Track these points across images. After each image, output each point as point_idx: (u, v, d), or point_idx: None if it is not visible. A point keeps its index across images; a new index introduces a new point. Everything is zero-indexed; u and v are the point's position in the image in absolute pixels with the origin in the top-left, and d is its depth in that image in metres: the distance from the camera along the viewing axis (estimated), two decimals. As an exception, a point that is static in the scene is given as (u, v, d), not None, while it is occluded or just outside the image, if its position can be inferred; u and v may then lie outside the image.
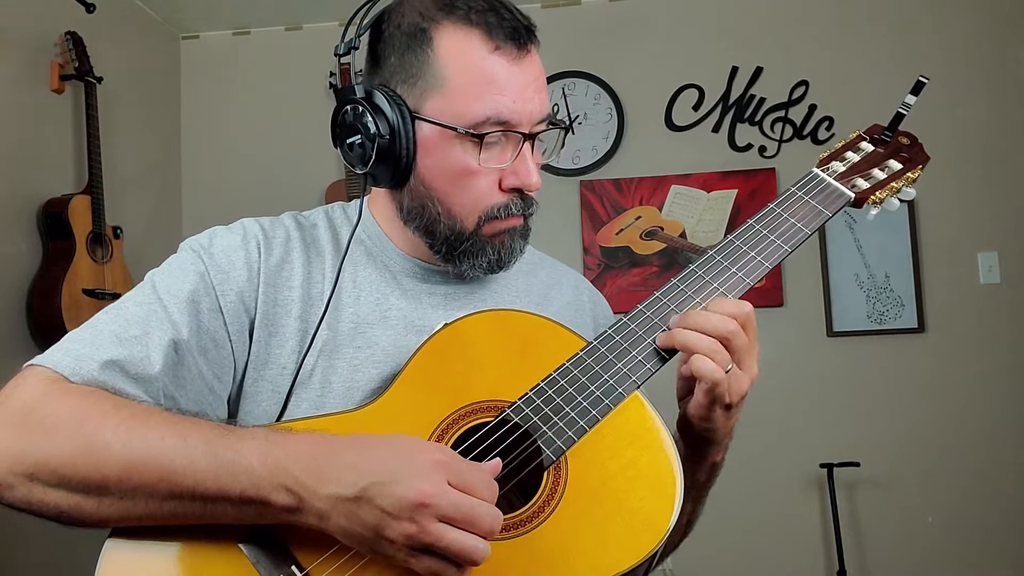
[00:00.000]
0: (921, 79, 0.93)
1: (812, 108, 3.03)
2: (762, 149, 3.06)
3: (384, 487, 0.64)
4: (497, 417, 0.78)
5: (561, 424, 0.76)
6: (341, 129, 0.87)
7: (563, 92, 3.16)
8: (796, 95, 3.05)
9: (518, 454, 0.76)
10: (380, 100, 0.83)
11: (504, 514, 0.68)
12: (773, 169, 3.03)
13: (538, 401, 0.78)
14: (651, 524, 0.71)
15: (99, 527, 0.71)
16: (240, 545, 0.70)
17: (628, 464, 0.75)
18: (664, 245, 3.06)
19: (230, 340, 0.84)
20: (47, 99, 2.61)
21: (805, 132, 3.04)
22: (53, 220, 2.49)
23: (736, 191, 3.04)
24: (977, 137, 2.92)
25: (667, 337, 0.80)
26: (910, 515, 2.84)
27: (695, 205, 3.07)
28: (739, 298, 0.82)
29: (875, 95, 2.68)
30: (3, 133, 2.43)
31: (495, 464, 0.69)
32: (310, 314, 0.87)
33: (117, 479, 0.68)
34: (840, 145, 0.96)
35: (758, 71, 3.08)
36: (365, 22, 0.87)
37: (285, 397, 0.84)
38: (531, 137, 0.85)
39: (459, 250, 0.87)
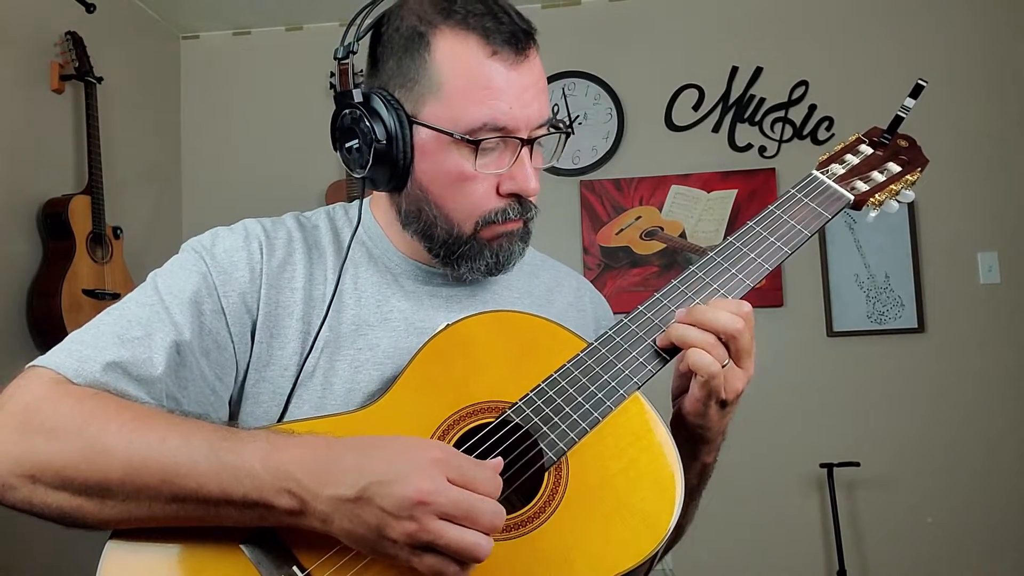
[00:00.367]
0: (920, 82, 0.93)
1: (812, 108, 3.04)
2: (762, 149, 3.07)
3: (384, 487, 0.64)
4: (498, 418, 0.78)
5: (562, 425, 0.77)
6: (340, 132, 0.87)
7: (563, 92, 3.16)
8: (796, 95, 3.05)
9: (519, 455, 0.76)
10: (378, 104, 0.83)
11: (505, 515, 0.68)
12: (773, 169, 3.04)
13: (539, 402, 0.78)
14: (651, 524, 0.72)
15: (101, 529, 0.71)
16: (241, 546, 0.70)
17: (629, 465, 0.75)
18: (664, 245, 3.06)
19: (232, 341, 0.84)
20: (47, 99, 2.61)
21: (805, 132, 3.04)
22: (53, 220, 2.49)
23: (736, 191, 3.04)
24: (977, 137, 2.92)
25: (665, 335, 0.80)
26: (910, 515, 2.84)
27: (695, 205, 3.07)
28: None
29: (875, 95, 2.69)
30: (3, 133, 2.43)
31: (496, 461, 0.69)
32: (312, 315, 0.87)
33: (119, 481, 0.68)
34: (839, 148, 0.97)
35: (758, 71, 3.08)
36: (365, 24, 0.87)
37: (286, 398, 0.84)
38: (529, 143, 0.84)
39: (457, 254, 0.87)
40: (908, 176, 0.94)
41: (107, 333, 0.79)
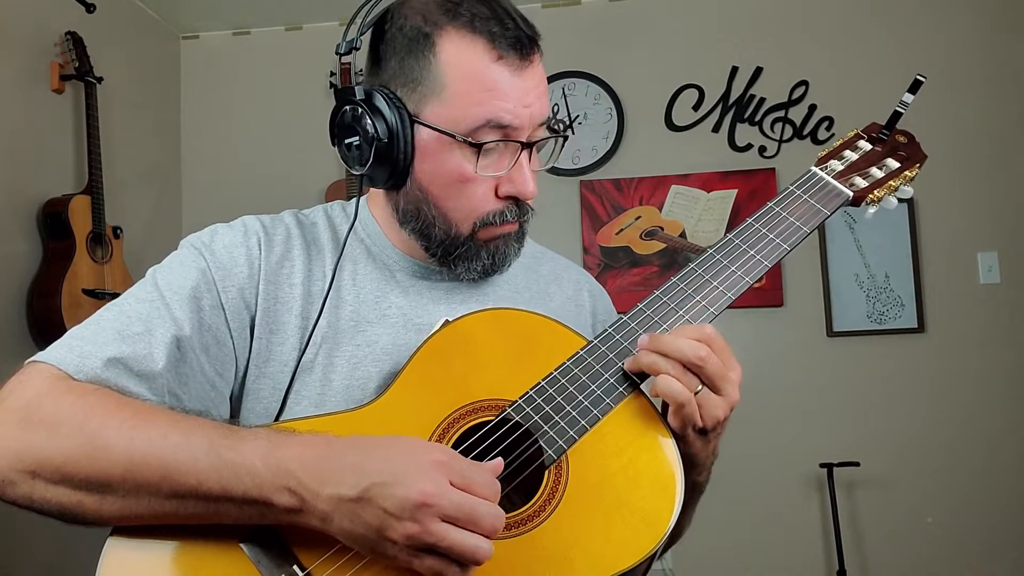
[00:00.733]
0: (919, 78, 0.93)
1: (812, 108, 3.04)
2: (762, 149, 3.07)
3: (386, 487, 0.64)
4: (498, 416, 0.78)
5: (562, 423, 0.76)
6: (339, 129, 0.87)
7: (563, 92, 3.16)
8: (796, 95, 3.05)
9: (519, 453, 0.76)
10: (380, 102, 0.83)
11: (505, 513, 0.67)
12: (773, 169, 3.04)
13: (539, 400, 0.78)
14: (651, 523, 0.72)
15: (101, 525, 0.71)
16: (241, 544, 0.70)
17: (629, 463, 0.75)
18: (664, 245, 3.06)
19: (231, 337, 0.85)
20: (47, 99, 2.61)
21: (805, 132, 3.04)
22: (53, 220, 2.50)
23: (736, 191, 3.04)
24: (977, 137, 2.92)
25: (633, 360, 0.78)
26: (910, 515, 2.84)
27: (695, 205, 3.07)
28: (738, 297, 0.83)
29: (875, 95, 2.68)
30: (3, 133, 2.43)
31: (497, 464, 0.69)
32: (311, 311, 0.87)
33: (120, 477, 0.68)
34: (838, 144, 0.97)
35: (758, 71, 3.08)
36: (367, 20, 0.87)
37: (285, 391, 0.85)
38: (529, 146, 0.85)
39: (454, 254, 0.88)
40: (907, 172, 0.94)
41: (107, 329, 0.79)
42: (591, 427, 0.77)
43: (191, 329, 0.81)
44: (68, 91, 2.68)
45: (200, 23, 3.38)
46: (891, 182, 0.93)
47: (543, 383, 0.79)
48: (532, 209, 0.89)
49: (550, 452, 0.75)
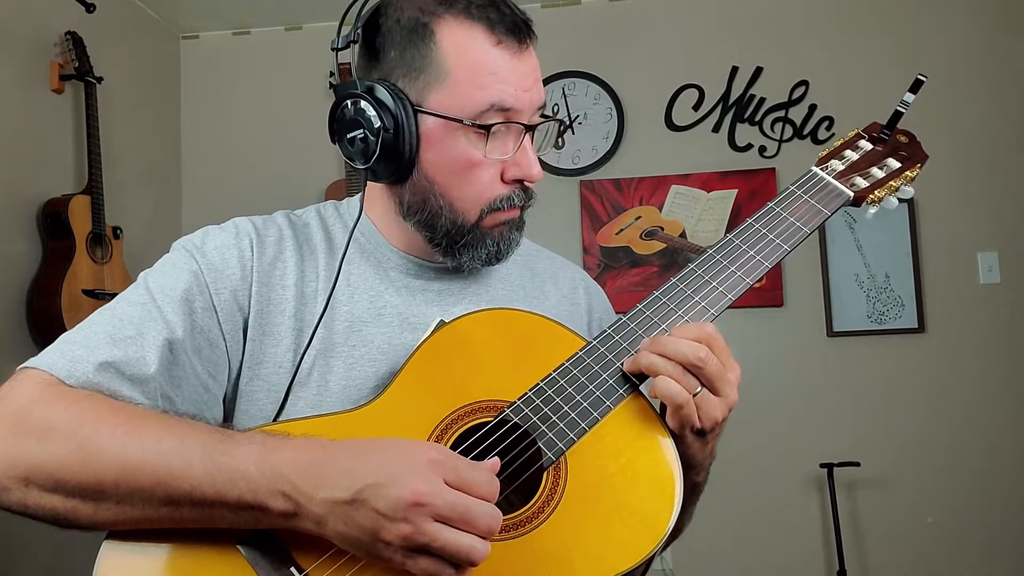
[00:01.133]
0: (920, 77, 0.93)
1: (812, 108, 3.03)
2: (762, 149, 3.06)
3: (379, 488, 0.63)
4: (496, 417, 0.77)
5: (561, 424, 0.76)
6: (340, 124, 0.86)
7: (563, 92, 3.15)
8: (796, 95, 3.05)
9: (517, 454, 0.76)
10: (383, 94, 0.83)
11: (503, 515, 0.67)
12: (773, 169, 3.03)
13: (538, 401, 0.78)
14: (651, 525, 0.71)
15: (96, 530, 0.71)
16: (239, 546, 0.69)
17: (627, 464, 0.75)
18: (664, 245, 3.06)
19: (224, 339, 0.84)
20: (47, 99, 2.61)
21: (805, 132, 3.04)
22: (53, 220, 2.49)
23: (736, 191, 3.04)
24: (978, 136, 2.92)
25: (632, 361, 0.78)
26: (910, 515, 2.84)
27: (695, 205, 3.07)
28: (738, 297, 0.82)
29: (875, 95, 2.68)
30: (3, 133, 2.43)
31: (494, 462, 0.68)
32: (304, 312, 0.87)
33: (113, 483, 0.68)
34: (839, 143, 0.96)
35: (758, 71, 3.08)
36: (362, 15, 0.87)
37: (283, 397, 0.84)
38: (532, 128, 0.85)
39: (460, 243, 0.88)
40: (908, 172, 0.93)
41: (99, 333, 0.78)
42: (590, 429, 0.76)
43: (183, 332, 0.81)
44: (68, 91, 2.67)
45: (200, 23, 3.38)
46: (892, 182, 0.92)
47: (542, 384, 0.79)
48: (535, 194, 0.90)
49: (549, 454, 0.75)
